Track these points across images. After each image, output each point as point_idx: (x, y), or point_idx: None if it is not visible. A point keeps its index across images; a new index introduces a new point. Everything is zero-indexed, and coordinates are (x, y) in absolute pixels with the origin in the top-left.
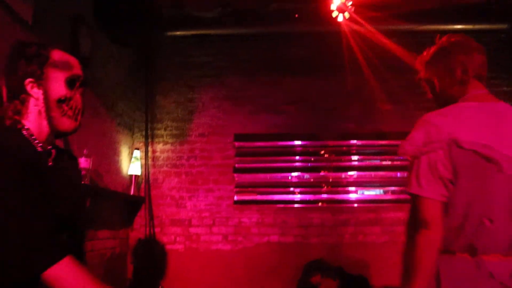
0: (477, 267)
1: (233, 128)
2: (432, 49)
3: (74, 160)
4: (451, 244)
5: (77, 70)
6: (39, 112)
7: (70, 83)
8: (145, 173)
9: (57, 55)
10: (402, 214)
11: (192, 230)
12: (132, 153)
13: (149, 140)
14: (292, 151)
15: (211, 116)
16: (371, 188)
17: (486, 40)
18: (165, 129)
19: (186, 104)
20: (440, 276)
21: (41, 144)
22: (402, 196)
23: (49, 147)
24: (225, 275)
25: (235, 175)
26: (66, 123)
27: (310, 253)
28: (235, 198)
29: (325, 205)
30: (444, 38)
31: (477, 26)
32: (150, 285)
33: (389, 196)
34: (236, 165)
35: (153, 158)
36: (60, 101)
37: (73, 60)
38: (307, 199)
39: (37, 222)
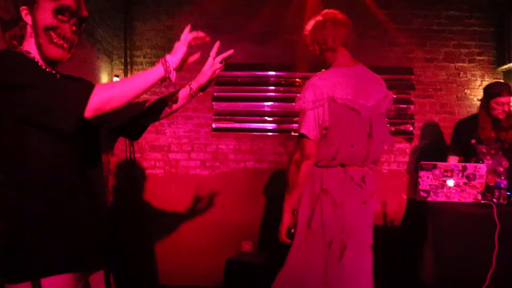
0: (344, 173)
1: None
2: (312, 21)
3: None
4: (330, 162)
5: (68, 1)
6: (32, 38)
7: (58, 12)
8: None
9: None
10: None
11: (172, 156)
12: (112, 80)
13: (128, 67)
14: (267, 81)
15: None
16: None
17: None
18: (144, 57)
19: (165, 31)
20: (322, 179)
21: (44, 67)
22: None
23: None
24: (202, 198)
25: (214, 103)
26: (53, 51)
27: (283, 178)
28: (213, 125)
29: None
30: (321, 13)
31: None
32: (130, 206)
33: None
34: (215, 94)
35: None
36: (47, 28)
37: None
38: (282, 128)
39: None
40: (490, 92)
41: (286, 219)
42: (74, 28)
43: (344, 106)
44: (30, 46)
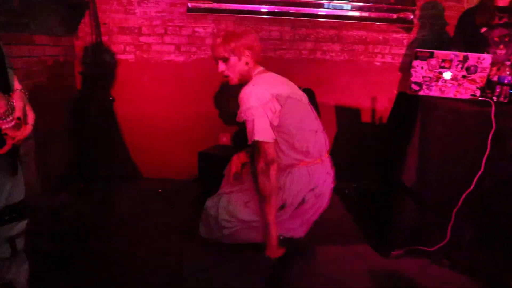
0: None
1: None
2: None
3: None
4: (297, 159)
5: None
6: None
7: None
8: None
9: None
10: (364, 33)
11: (143, 39)
12: None
13: None
14: None
15: None
16: (337, 2)
17: None
18: None
19: None
20: (293, 174)
21: None
22: (368, 14)
23: None
24: (177, 87)
25: None
26: None
27: (265, 66)
28: (189, 5)
29: (286, 18)
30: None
31: None
32: (99, 95)
33: (354, 13)
34: None
35: None
36: None
37: None
38: (267, 9)
39: None
40: None
41: (274, 232)
42: None
43: (289, 97)
44: None
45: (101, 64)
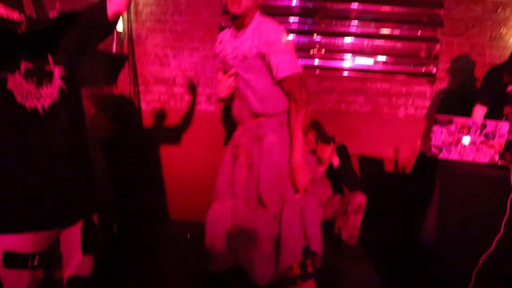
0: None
1: None
2: None
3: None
4: None
5: None
6: None
7: None
8: (128, 29)
9: None
10: (387, 86)
11: (176, 89)
12: None
13: None
14: (287, 11)
15: None
16: (362, 56)
17: None
18: None
19: None
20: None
21: None
22: (392, 67)
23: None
24: (208, 136)
25: None
26: None
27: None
28: None
29: (313, 71)
30: None
31: None
32: (134, 141)
33: (378, 66)
34: (223, 23)
35: (136, 13)
36: None
37: None
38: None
39: None
40: None
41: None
42: None
43: None
44: None
45: (136, 112)
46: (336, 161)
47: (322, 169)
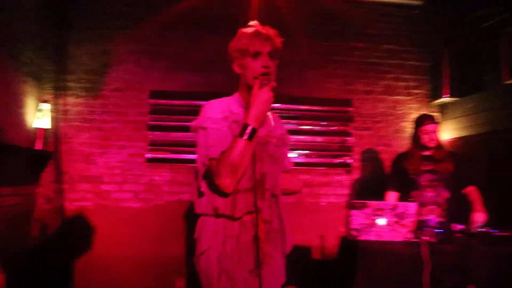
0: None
1: (150, 84)
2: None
3: None
4: None
5: None
6: None
7: None
8: (54, 127)
9: None
10: (308, 177)
11: (103, 187)
12: (39, 106)
13: (60, 92)
14: None
15: (127, 70)
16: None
17: (401, 14)
18: (77, 82)
19: (101, 56)
20: None
21: None
22: (312, 160)
23: None
24: (136, 233)
25: (149, 132)
26: None
27: None
28: (148, 156)
29: None
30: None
31: (394, 0)
32: (57, 241)
33: (301, 159)
34: (150, 123)
35: (64, 112)
36: None
37: None
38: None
39: None
40: (416, 122)
41: None
42: None
43: None
44: None
45: (60, 211)
46: None
47: None
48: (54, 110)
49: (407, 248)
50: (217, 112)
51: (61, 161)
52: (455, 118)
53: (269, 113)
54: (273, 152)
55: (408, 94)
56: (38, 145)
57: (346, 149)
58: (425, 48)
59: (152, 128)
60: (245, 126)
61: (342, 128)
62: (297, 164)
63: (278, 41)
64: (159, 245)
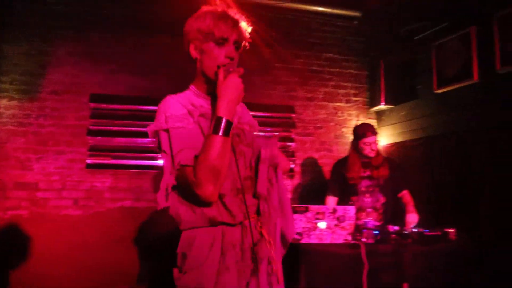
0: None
1: (90, 87)
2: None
3: None
4: None
5: None
6: None
7: None
8: None
9: None
10: None
11: (40, 194)
12: None
13: None
14: (149, 115)
15: (66, 72)
16: None
17: (341, 24)
18: (11, 83)
19: (38, 57)
20: None
21: None
22: None
23: None
24: (76, 242)
25: (89, 137)
26: None
27: (162, 219)
28: (88, 161)
29: None
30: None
31: (334, 11)
32: None
33: None
34: (90, 127)
35: None
36: None
37: None
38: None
39: None
40: (357, 134)
41: None
42: None
43: None
44: None
45: None
46: None
47: None
48: None
49: (347, 250)
50: (178, 108)
51: None
52: (391, 124)
53: None
54: (251, 141)
55: (348, 101)
56: None
57: (289, 155)
58: (364, 57)
59: (93, 132)
60: (218, 120)
61: (285, 134)
62: None
63: (247, 29)
64: (101, 254)
